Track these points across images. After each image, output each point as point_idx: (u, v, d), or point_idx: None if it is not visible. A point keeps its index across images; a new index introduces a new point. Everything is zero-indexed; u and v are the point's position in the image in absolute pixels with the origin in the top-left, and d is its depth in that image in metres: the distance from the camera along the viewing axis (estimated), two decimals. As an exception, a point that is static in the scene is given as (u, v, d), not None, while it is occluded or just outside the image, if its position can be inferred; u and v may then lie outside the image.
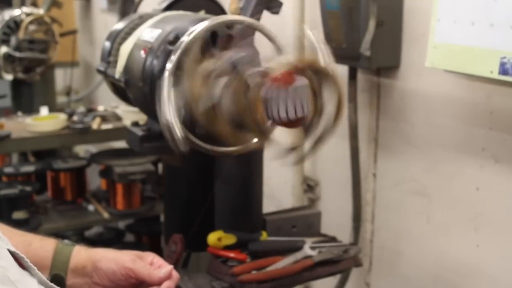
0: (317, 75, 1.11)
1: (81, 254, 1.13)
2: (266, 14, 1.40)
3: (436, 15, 1.45)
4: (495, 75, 1.32)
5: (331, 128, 1.15)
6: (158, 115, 1.22)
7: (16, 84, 3.37)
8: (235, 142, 1.22)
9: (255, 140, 1.23)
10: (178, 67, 1.21)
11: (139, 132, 1.47)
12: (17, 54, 3.17)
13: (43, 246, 1.13)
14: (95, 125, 2.65)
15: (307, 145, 1.18)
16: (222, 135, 1.14)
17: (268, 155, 1.27)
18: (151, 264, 1.14)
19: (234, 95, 1.10)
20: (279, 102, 1.08)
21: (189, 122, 1.32)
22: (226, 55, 1.14)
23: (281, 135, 1.17)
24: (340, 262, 1.57)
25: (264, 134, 1.14)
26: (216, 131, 1.14)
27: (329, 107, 1.13)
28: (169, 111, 1.19)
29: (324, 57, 1.15)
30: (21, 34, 3.17)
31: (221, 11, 1.67)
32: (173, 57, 1.26)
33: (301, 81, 1.08)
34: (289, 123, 1.12)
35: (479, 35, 1.35)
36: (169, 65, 1.26)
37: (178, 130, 1.20)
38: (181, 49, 1.26)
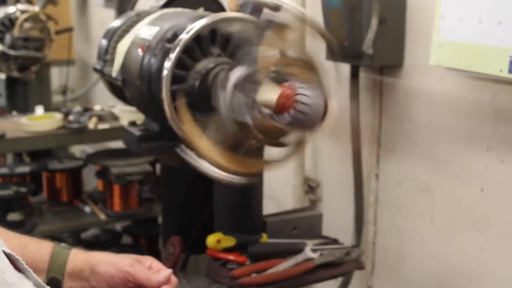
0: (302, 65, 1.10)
1: (78, 257, 1.13)
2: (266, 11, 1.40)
3: (440, 12, 1.45)
4: (505, 74, 1.32)
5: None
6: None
7: (10, 83, 3.37)
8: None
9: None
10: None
11: (136, 132, 1.46)
12: (11, 52, 3.17)
13: (39, 249, 1.13)
14: (91, 124, 2.64)
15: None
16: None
17: (268, 155, 1.27)
18: (149, 268, 1.14)
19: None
20: (295, 121, 1.06)
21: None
22: None
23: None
24: (342, 265, 1.57)
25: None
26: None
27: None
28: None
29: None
30: (15, 32, 3.17)
31: (220, 8, 1.67)
32: (172, 56, 1.26)
33: (299, 87, 1.07)
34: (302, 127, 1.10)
35: (486, 32, 1.35)
36: (167, 64, 1.26)
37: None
38: (179, 47, 1.27)
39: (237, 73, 1.10)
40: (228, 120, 1.10)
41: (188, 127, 1.15)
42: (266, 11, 1.38)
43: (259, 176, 1.35)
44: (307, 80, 1.08)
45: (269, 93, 1.06)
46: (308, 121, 1.06)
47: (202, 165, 1.20)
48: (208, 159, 1.12)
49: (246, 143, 1.14)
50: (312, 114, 1.05)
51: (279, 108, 1.05)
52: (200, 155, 1.14)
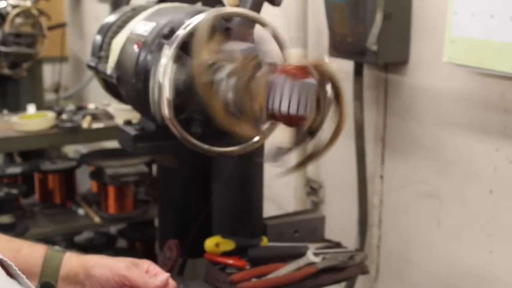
0: (323, 81, 1.11)
1: (72, 261, 1.13)
2: (266, 6, 1.41)
3: (452, 7, 1.45)
4: None
5: (326, 147, 1.16)
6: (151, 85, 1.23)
7: (1, 81, 3.37)
8: (227, 127, 1.21)
9: (247, 130, 1.22)
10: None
11: (132, 131, 1.47)
12: (2, 48, 3.18)
13: (32, 252, 1.13)
14: (85, 124, 2.65)
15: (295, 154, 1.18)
16: (216, 115, 1.14)
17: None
18: (146, 272, 1.14)
19: (239, 79, 1.10)
20: (283, 92, 1.07)
21: (186, 121, 1.33)
22: (238, 44, 1.14)
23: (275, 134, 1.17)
24: (345, 269, 1.57)
25: (257, 124, 1.14)
26: (212, 110, 1.14)
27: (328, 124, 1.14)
28: (164, 75, 1.21)
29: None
30: (6, 28, 3.18)
31: (219, 3, 1.67)
32: (168, 52, 1.26)
33: (311, 79, 1.08)
34: (287, 119, 1.10)
35: (498, 28, 1.35)
36: (164, 60, 1.27)
37: (168, 92, 1.22)
38: (176, 43, 1.27)
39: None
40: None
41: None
42: (265, 5, 1.39)
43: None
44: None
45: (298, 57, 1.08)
46: (283, 101, 1.06)
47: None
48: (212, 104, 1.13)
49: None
50: (305, 104, 1.06)
51: (300, 68, 1.06)
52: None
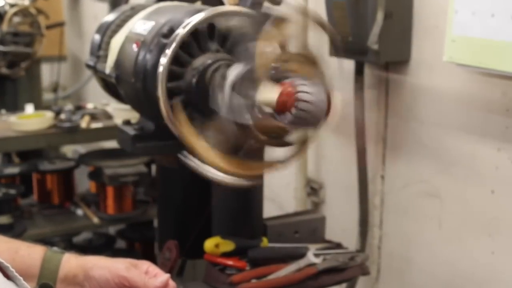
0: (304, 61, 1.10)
1: (71, 262, 1.13)
2: (266, 5, 1.40)
3: (453, 6, 1.45)
4: None
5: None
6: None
7: (-1, 80, 3.37)
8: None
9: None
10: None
11: (131, 131, 1.47)
12: (0, 48, 3.17)
13: (30, 253, 1.13)
14: (84, 123, 2.65)
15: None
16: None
17: (270, 157, 1.27)
18: (146, 272, 1.14)
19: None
20: (298, 120, 1.06)
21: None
22: None
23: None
24: (346, 270, 1.58)
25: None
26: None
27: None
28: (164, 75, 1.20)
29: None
30: (4, 27, 3.17)
31: (218, 2, 1.67)
32: (168, 51, 1.26)
33: (299, 84, 1.06)
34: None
35: (499, 27, 1.35)
36: (163, 60, 1.27)
37: (167, 91, 1.21)
38: (176, 42, 1.27)
39: (234, 72, 1.10)
40: (228, 121, 1.10)
41: (185, 129, 1.15)
42: (266, 4, 1.39)
43: (259, 178, 1.35)
44: (308, 76, 1.08)
45: (269, 92, 1.06)
46: (311, 119, 1.06)
47: (206, 170, 1.20)
48: (207, 161, 1.12)
49: (246, 144, 1.14)
50: (315, 111, 1.05)
51: (280, 108, 1.05)
52: (198, 157, 1.14)
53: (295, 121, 1.05)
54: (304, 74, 1.08)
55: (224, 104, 1.10)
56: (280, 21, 1.10)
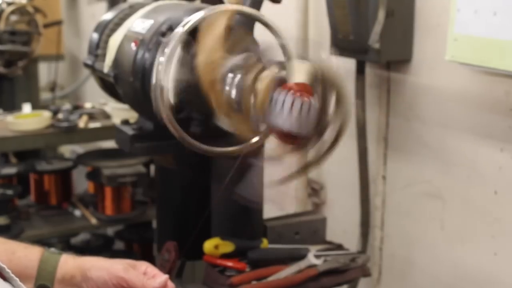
0: (326, 90, 1.11)
1: (69, 263, 1.13)
2: (266, 4, 1.41)
3: (455, 4, 1.45)
4: None
5: (327, 152, 1.15)
6: (152, 87, 1.23)
7: (-4, 79, 3.37)
8: (227, 124, 1.22)
9: (246, 128, 1.22)
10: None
11: (129, 131, 1.47)
12: (-3, 46, 3.17)
13: (27, 254, 1.13)
14: (81, 123, 2.65)
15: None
16: (218, 111, 1.15)
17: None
18: (144, 273, 1.14)
19: (244, 77, 1.10)
20: (284, 108, 1.06)
21: (185, 121, 1.33)
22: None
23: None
24: (347, 272, 1.58)
25: (256, 124, 1.14)
26: (215, 106, 1.15)
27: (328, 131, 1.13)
28: (163, 74, 1.22)
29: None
30: (1, 25, 3.17)
31: (218, 0, 1.67)
32: (167, 50, 1.26)
33: (313, 99, 1.08)
34: (282, 135, 1.10)
35: (502, 26, 1.35)
36: (162, 59, 1.27)
37: (166, 91, 1.23)
38: (175, 41, 1.27)
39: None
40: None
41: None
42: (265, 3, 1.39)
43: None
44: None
45: (298, 71, 1.08)
46: (298, 120, 1.06)
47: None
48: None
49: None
50: (307, 121, 1.06)
51: (303, 86, 1.06)
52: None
53: (278, 104, 1.06)
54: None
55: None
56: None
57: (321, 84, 1.09)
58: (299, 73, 1.08)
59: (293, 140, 1.10)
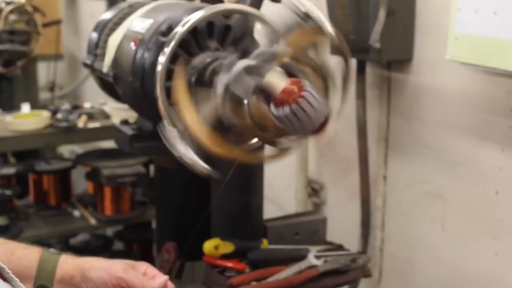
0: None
1: (68, 263, 1.13)
2: (266, 3, 1.41)
3: (456, 4, 1.46)
4: None
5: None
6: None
7: (-5, 79, 3.37)
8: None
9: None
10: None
11: (129, 131, 1.47)
12: (-4, 46, 3.17)
13: (27, 255, 1.13)
14: (81, 123, 2.65)
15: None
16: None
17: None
18: (144, 274, 1.14)
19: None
20: (292, 121, 1.06)
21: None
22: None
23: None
24: (348, 273, 1.58)
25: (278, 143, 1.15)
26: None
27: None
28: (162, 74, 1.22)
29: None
30: (0, 25, 3.17)
31: (218, -1, 1.67)
32: (166, 50, 1.26)
33: (307, 86, 1.07)
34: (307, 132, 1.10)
35: (502, 25, 1.35)
36: (161, 59, 1.27)
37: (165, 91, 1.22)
38: (174, 40, 1.27)
39: (245, 62, 1.10)
40: (225, 97, 1.10)
41: (180, 95, 1.15)
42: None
43: (233, 163, 1.34)
44: (316, 87, 1.08)
45: (279, 79, 1.06)
46: (304, 123, 1.05)
47: (178, 147, 1.19)
48: (190, 129, 1.12)
49: (234, 126, 1.14)
50: (312, 118, 1.05)
51: (283, 97, 1.05)
52: (184, 124, 1.13)
53: (289, 118, 1.05)
54: (314, 83, 1.08)
55: (228, 79, 1.10)
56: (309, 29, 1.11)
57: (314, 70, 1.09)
58: (278, 78, 1.07)
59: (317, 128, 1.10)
